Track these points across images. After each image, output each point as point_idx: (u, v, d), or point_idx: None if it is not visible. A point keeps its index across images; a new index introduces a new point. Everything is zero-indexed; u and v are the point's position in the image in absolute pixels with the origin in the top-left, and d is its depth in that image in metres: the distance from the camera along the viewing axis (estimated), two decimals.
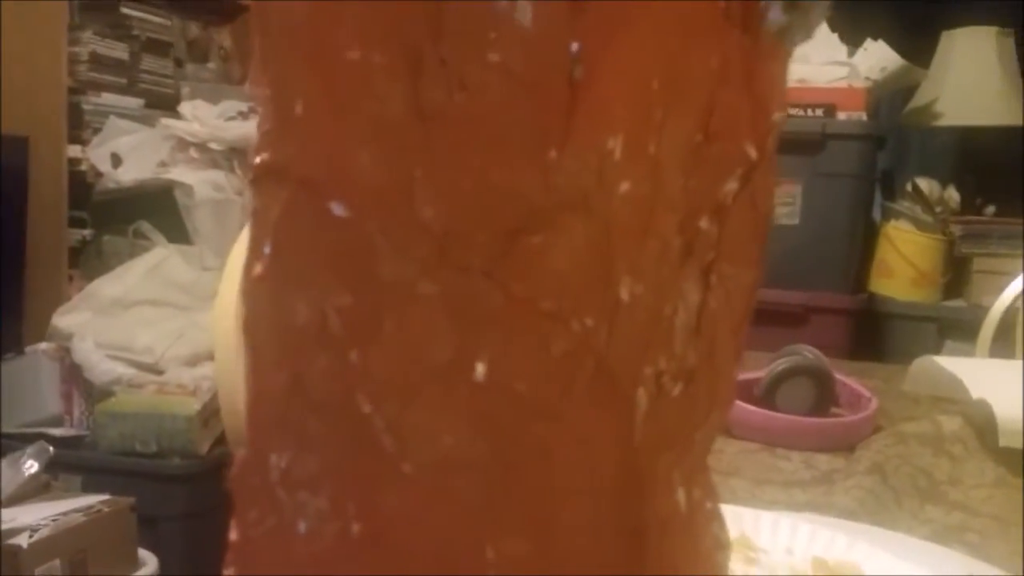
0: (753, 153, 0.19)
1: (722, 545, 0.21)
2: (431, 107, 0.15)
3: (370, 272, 0.16)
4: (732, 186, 0.19)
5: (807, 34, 0.17)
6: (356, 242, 0.16)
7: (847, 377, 1.12)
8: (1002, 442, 0.93)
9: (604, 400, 0.17)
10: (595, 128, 0.16)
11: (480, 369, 0.16)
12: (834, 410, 1.09)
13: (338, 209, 0.16)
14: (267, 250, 0.17)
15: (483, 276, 0.16)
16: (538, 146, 0.16)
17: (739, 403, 1.04)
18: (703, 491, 0.20)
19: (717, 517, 0.21)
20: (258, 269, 0.17)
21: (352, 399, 0.16)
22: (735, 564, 0.63)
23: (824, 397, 1.08)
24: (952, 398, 1.07)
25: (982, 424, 0.97)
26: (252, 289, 0.17)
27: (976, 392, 1.00)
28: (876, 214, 2.81)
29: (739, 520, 0.68)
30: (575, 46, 0.15)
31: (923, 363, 1.22)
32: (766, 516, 0.69)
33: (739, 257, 0.19)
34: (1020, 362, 1.42)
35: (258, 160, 0.18)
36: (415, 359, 0.16)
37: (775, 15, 0.17)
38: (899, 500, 0.84)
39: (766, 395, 1.06)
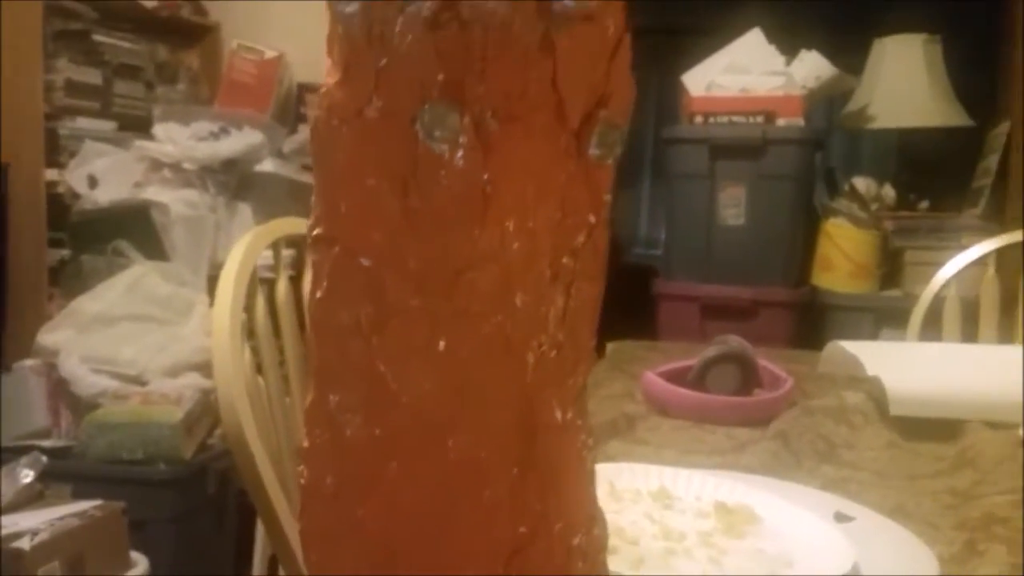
0: (593, 219, 0.34)
1: (589, 448, 0.36)
2: (412, 210, 0.30)
3: (382, 295, 0.31)
4: (581, 239, 0.34)
5: (614, 157, 0.32)
6: (374, 279, 0.31)
7: (769, 362, 1.28)
8: (892, 411, 1.10)
9: (509, 359, 0.32)
10: (498, 216, 0.31)
11: (442, 344, 0.31)
12: (757, 391, 1.24)
13: (365, 262, 0.31)
14: (324, 283, 0.32)
15: (442, 297, 0.31)
16: (468, 228, 0.31)
17: (673, 387, 1.19)
18: (575, 414, 0.35)
19: (586, 430, 0.36)
20: (318, 294, 0.32)
21: (373, 363, 0.31)
22: (654, 509, 0.78)
23: (748, 380, 1.24)
24: (859, 376, 1.23)
25: (881, 397, 1.13)
26: (316, 306, 0.32)
27: (872, 370, 1.17)
28: (818, 212, 2.98)
29: (661, 476, 0.84)
30: (486, 176, 0.30)
31: (831, 347, 1.39)
32: (683, 472, 0.85)
33: (588, 277, 0.34)
34: (913, 344, 1.59)
35: (315, 233, 0.32)
36: (408, 341, 0.31)
37: (593, 150, 0.32)
38: (799, 460, 1.00)
39: (697, 379, 1.22)
